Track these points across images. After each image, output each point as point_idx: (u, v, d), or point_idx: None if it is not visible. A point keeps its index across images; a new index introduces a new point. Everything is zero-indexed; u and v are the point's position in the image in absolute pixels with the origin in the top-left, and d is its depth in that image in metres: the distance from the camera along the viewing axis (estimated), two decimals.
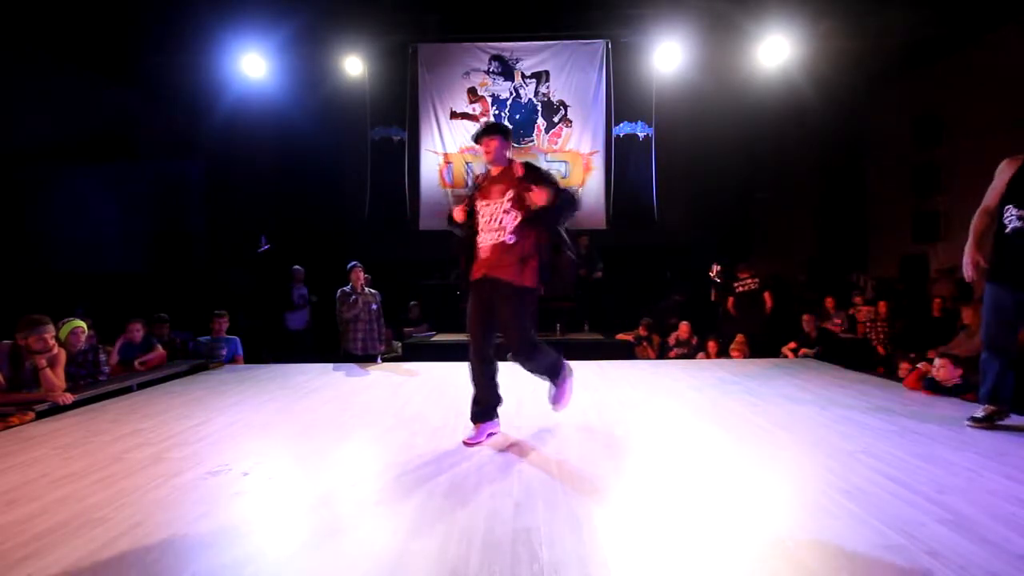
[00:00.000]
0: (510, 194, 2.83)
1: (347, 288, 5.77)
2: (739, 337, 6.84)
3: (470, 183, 3.13)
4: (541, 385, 3.98)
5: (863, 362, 5.86)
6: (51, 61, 7.71)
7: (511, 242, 2.81)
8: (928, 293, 7.77)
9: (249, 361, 6.00)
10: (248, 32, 8.05)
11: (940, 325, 6.43)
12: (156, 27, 7.93)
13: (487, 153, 2.93)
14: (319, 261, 8.32)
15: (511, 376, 4.71)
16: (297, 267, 7.80)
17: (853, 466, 2.42)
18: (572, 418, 3.32)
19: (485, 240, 2.87)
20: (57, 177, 7.93)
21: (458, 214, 3.00)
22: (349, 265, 5.77)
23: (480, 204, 2.92)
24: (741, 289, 7.51)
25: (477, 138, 2.97)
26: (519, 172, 2.87)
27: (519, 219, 2.82)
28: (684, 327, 7.15)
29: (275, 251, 9.48)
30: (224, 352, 5.72)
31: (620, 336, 7.53)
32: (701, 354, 6.77)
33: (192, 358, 5.55)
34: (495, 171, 2.96)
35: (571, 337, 7.67)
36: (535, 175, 2.86)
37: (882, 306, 7.22)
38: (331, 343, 6.30)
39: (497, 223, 2.84)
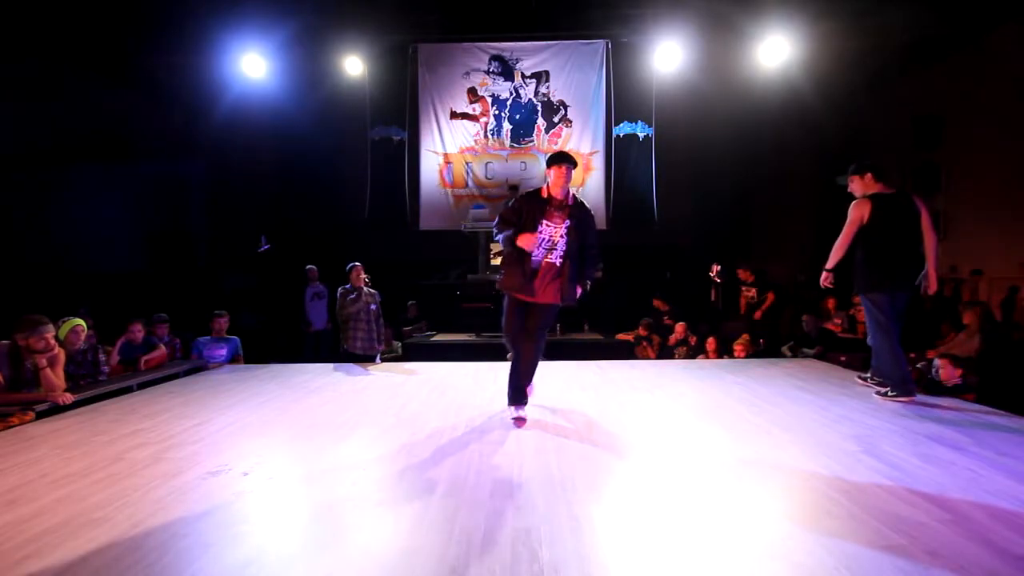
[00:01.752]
0: (568, 223, 3.19)
1: (348, 286, 5.76)
2: (744, 336, 6.83)
3: (521, 195, 3.32)
4: (539, 386, 3.97)
5: (864, 362, 5.84)
6: (51, 62, 7.72)
7: (559, 263, 3.23)
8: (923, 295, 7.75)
9: (256, 363, 5.97)
10: (248, 32, 8.05)
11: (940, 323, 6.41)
12: (156, 27, 7.95)
13: (562, 178, 3.16)
14: (319, 261, 8.32)
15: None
16: (310, 266, 7.78)
17: (853, 466, 2.42)
18: (572, 418, 3.32)
19: (538, 256, 3.21)
20: (57, 177, 7.93)
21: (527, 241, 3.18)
22: (349, 266, 5.77)
23: (544, 224, 3.19)
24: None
25: (553, 163, 3.17)
26: (571, 202, 3.22)
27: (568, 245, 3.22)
28: (680, 327, 7.15)
29: (275, 251, 9.48)
30: (223, 354, 5.72)
31: (620, 336, 7.53)
32: (702, 355, 6.76)
33: (191, 358, 5.55)
34: (559, 197, 3.21)
35: (571, 337, 7.67)
36: (582, 213, 3.23)
37: None
38: (335, 343, 6.31)
39: (551, 243, 3.22)
